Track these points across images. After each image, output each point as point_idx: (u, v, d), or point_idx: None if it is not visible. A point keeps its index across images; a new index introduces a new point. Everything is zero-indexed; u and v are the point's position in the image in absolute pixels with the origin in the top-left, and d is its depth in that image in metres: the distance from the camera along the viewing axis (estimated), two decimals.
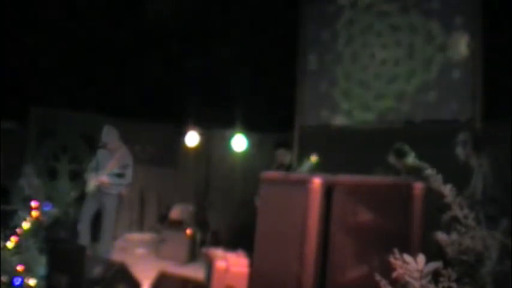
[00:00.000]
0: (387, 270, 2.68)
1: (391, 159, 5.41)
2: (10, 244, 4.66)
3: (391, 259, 2.65)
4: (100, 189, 6.24)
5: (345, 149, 6.39)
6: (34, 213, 5.04)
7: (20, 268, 4.49)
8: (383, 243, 3.07)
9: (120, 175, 6.31)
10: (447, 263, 2.71)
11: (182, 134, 9.05)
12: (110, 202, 6.27)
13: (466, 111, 5.68)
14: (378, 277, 2.68)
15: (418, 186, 3.50)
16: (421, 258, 2.61)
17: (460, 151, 4.68)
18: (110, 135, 6.41)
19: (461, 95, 5.74)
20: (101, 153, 6.50)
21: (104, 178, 6.20)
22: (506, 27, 5.31)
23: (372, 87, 6.53)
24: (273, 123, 8.09)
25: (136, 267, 5.13)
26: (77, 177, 7.68)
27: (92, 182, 6.24)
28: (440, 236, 2.96)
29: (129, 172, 6.41)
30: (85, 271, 4.54)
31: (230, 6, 7.66)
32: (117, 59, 8.26)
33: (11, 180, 5.85)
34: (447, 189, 2.95)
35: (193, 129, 8.90)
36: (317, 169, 4.93)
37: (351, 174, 3.72)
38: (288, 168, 6.14)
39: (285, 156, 6.30)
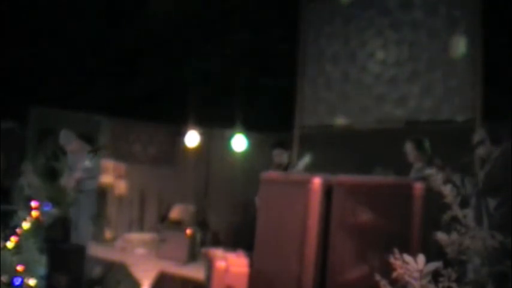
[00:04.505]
0: (387, 270, 2.68)
1: (408, 148, 5.04)
2: (10, 244, 4.66)
3: (391, 259, 2.65)
4: (77, 188, 6.36)
5: (345, 149, 6.38)
6: (34, 213, 5.03)
7: (20, 268, 4.49)
8: (383, 243, 3.08)
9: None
10: (447, 263, 2.71)
11: (182, 134, 9.05)
12: (85, 199, 6.36)
13: (466, 111, 5.67)
14: (377, 277, 2.68)
15: (418, 186, 3.49)
16: (421, 258, 2.61)
17: (481, 151, 4.62)
18: (66, 138, 6.58)
19: (461, 95, 5.73)
20: (69, 157, 6.64)
21: (77, 174, 6.33)
22: (506, 27, 5.31)
23: (372, 88, 6.52)
24: (273, 123, 8.08)
25: (136, 267, 5.14)
26: None
27: (69, 184, 6.35)
28: (440, 236, 2.96)
29: (93, 167, 6.59)
30: (85, 271, 4.55)
31: (230, 7, 7.65)
32: (118, 59, 8.26)
33: (11, 180, 5.85)
34: (447, 189, 2.94)
35: (193, 129, 8.90)
36: (312, 168, 4.90)
37: (351, 174, 3.72)
38: (287, 168, 6.14)
39: (282, 156, 6.29)
